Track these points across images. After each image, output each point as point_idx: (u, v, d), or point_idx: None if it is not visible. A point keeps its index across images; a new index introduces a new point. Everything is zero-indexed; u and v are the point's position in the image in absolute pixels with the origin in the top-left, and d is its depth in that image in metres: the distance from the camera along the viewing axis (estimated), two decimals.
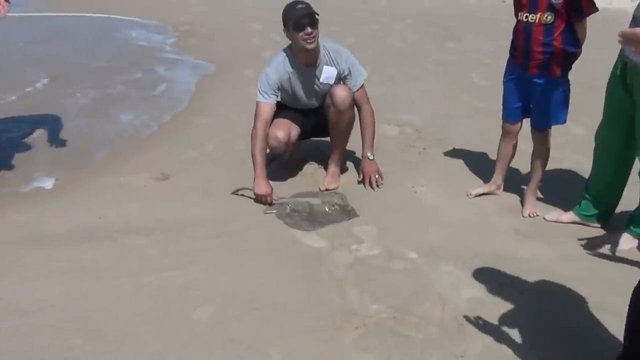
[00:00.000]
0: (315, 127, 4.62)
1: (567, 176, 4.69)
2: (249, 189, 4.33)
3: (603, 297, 3.24)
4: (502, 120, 4.20)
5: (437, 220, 4.10)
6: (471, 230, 3.98)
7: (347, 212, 4.13)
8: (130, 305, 3.20)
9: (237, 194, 4.41)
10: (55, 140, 5.54)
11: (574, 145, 5.14)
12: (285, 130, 4.37)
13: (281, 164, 4.92)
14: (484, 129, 5.59)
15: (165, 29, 10.64)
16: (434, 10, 11.95)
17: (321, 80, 4.35)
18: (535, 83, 3.87)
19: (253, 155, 4.27)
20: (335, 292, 3.30)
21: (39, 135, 5.73)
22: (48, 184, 4.71)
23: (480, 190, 4.38)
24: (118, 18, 11.51)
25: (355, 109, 4.42)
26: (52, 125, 5.89)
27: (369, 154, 4.47)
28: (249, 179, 4.34)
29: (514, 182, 4.51)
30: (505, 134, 4.21)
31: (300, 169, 4.89)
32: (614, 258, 3.65)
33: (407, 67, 7.88)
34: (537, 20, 3.68)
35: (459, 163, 4.96)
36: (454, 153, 5.15)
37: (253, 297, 3.27)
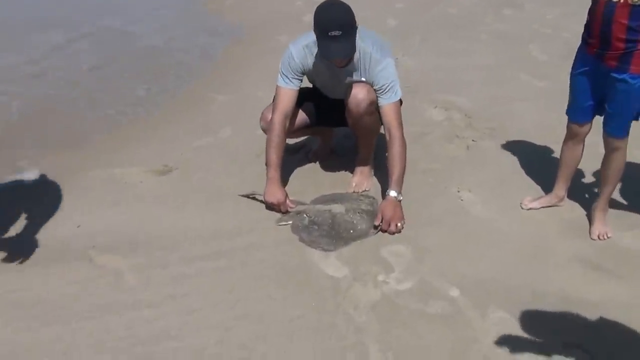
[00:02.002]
0: (338, 117, 3.71)
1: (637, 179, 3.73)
2: (259, 195, 3.52)
3: None
4: (567, 119, 3.33)
5: (485, 242, 3.24)
6: (528, 258, 3.11)
7: (374, 220, 3.32)
8: None
9: (247, 197, 3.61)
10: (47, 117, 4.81)
11: None
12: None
13: (308, 155, 4.16)
14: (544, 116, 4.68)
15: None
16: None
17: (345, 81, 3.48)
18: (613, 78, 2.97)
19: (267, 154, 3.49)
20: (352, 351, 2.51)
21: (30, 109, 5.00)
22: (30, 175, 3.98)
23: (537, 205, 3.53)
24: None
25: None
26: (48, 98, 5.16)
27: (393, 193, 3.36)
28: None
29: (581, 190, 3.60)
30: (571, 136, 3.36)
31: (330, 164, 4.07)
32: None
33: (459, 38, 6.91)
34: (622, 0, 2.78)
35: (515, 161, 4.05)
36: (509, 147, 4.24)
37: (246, 354, 2.51)
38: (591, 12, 2.97)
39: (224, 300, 2.81)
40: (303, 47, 3.42)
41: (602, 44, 2.93)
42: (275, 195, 3.44)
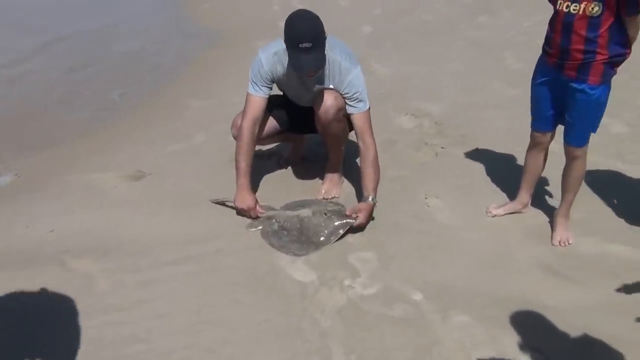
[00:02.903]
0: (307, 123, 3.79)
1: (604, 190, 3.85)
2: (230, 201, 3.61)
3: None
4: (530, 129, 3.44)
5: (450, 248, 3.34)
6: (491, 264, 3.21)
7: (343, 217, 3.40)
8: None
9: (218, 203, 3.69)
10: (22, 121, 4.84)
11: (614, 148, 4.28)
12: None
13: (280, 161, 4.24)
14: (514, 123, 4.75)
15: None
16: None
17: (314, 89, 3.57)
18: (572, 88, 3.07)
19: (236, 161, 3.56)
20: (317, 355, 2.59)
21: (5, 113, 5.05)
22: (4, 180, 4.03)
23: (501, 212, 3.64)
24: None
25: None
26: (23, 102, 5.21)
27: (371, 200, 3.46)
28: None
29: (544, 197, 3.73)
30: (534, 144, 3.46)
31: (301, 170, 4.16)
32: None
33: (434, 44, 7.03)
34: (580, 11, 2.87)
35: (482, 169, 4.16)
36: (478, 155, 4.35)
37: (214, 357, 2.58)
38: (551, 23, 3.07)
39: (193, 305, 2.88)
40: (272, 55, 3.48)
41: (562, 54, 3.02)
42: (245, 201, 3.52)
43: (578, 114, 3.12)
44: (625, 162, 4.14)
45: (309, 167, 4.17)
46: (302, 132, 4.00)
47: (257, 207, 3.55)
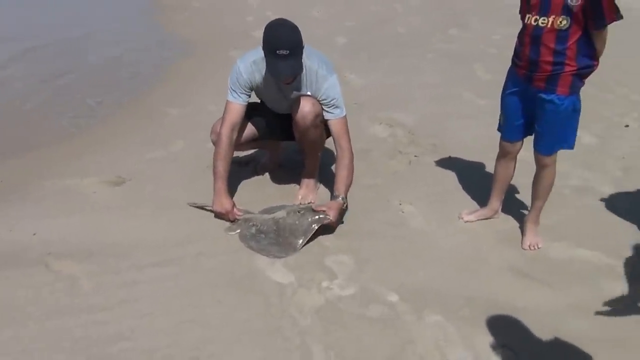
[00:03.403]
0: (285, 130, 3.91)
1: (573, 198, 4.03)
2: (208, 205, 3.71)
3: None
4: (499, 138, 3.57)
5: (423, 252, 3.47)
6: (462, 267, 3.34)
7: (316, 213, 3.51)
8: None
9: (196, 207, 3.77)
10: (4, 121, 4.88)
11: (582, 158, 4.46)
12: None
13: (257, 168, 4.33)
14: (484, 133, 4.88)
15: (150, 0, 9.84)
16: None
17: (292, 96, 3.68)
18: (541, 99, 3.20)
19: (214, 164, 3.66)
20: (296, 352, 2.69)
21: None
22: None
23: (473, 217, 3.78)
24: None
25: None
26: (1, 108, 5.23)
27: (340, 199, 3.59)
28: None
29: (515, 203, 3.87)
30: (503, 153, 3.58)
31: (277, 177, 4.27)
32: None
33: (406, 56, 7.18)
34: (549, 25, 3.01)
35: (454, 177, 4.31)
36: (450, 163, 4.49)
37: (195, 354, 2.66)
38: (520, 36, 3.20)
39: (175, 305, 2.96)
40: (251, 64, 3.59)
41: (531, 66, 3.15)
42: (222, 205, 3.62)
43: (547, 124, 3.25)
44: (593, 171, 4.32)
45: (286, 173, 4.27)
46: (280, 139, 4.10)
47: (235, 209, 3.64)
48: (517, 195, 3.99)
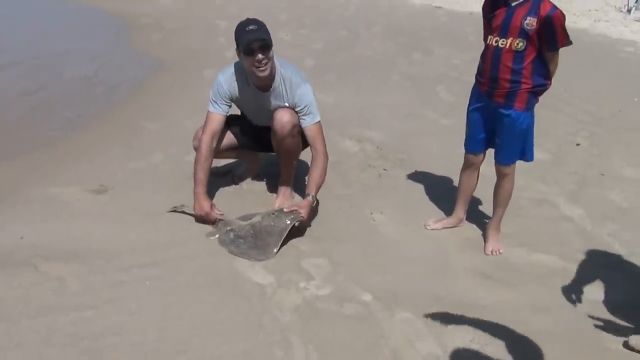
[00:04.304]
0: (263, 141, 4.06)
1: (530, 208, 4.26)
2: (188, 208, 3.84)
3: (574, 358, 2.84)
4: (464, 150, 3.79)
5: (394, 256, 3.63)
6: (430, 269, 3.52)
7: (289, 214, 3.65)
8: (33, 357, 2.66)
9: (177, 211, 3.88)
10: None
11: (538, 173, 4.71)
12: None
13: (234, 179, 4.44)
14: (448, 150, 5.19)
15: (125, 21, 9.90)
16: (403, 19, 11.52)
17: (271, 107, 3.83)
18: (500, 114, 3.44)
19: (194, 170, 3.78)
20: (277, 345, 2.80)
21: None
22: None
23: (439, 226, 3.95)
24: (76, 6, 10.79)
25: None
26: None
27: (310, 198, 3.72)
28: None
29: (478, 213, 4.06)
30: (468, 165, 3.80)
31: (254, 187, 4.40)
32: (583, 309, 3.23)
33: (373, 77, 7.40)
34: (507, 46, 3.27)
35: (422, 188, 4.50)
36: (417, 176, 4.69)
37: (182, 347, 2.75)
38: (482, 55, 3.45)
39: (160, 303, 3.04)
40: (230, 75, 3.78)
41: (492, 83, 3.39)
42: (202, 207, 3.74)
43: (506, 136, 3.47)
44: (548, 184, 4.56)
45: (263, 183, 4.40)
46: (258, 149, 4.24)
47: (214, 210, 3.76)
48: (480, 207, 4.18)
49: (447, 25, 11.17)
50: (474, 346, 2.88)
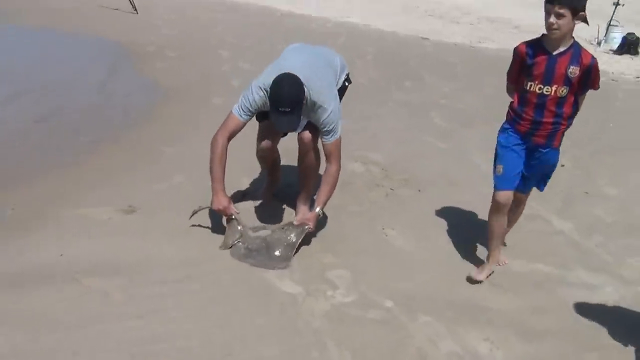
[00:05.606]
0: None
1: (526, 224, 4.49)
2: (205, 207, 4.03)
3: (577, 355, 3.15)
4: (495, 190, 3.63)
5: (408, 266, 3.86)
6: (443, 278, 3.77)
7: (298, 227, 3.91)
8: None
9: (196, 212, 4.10)
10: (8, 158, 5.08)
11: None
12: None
13: (253, 197, 4.65)
14: (447, 170, 5.50)
15: (127, 48, 10.08)
16: (392, 49, 11.86)
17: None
18: (539, 152, 3.59)
19: (211, 168, 3.85)
20: (314, 347, 3.00)
21: None
22: (2, 213, 4.22)
23: (484, 276, 3.74)
24: (81, 35, 10.96)
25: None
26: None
27: (317, 209, 3.95)
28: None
29: (482, 229, 4.30)
30: (501, 204, 3.62)
31: (274, 205, 4.62)
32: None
33: (370, 104, 7.64)
34: (552, 93, 3.37)
35: (427, 206, 4.75)
36: (421, 195, 4.96)
37: (227, 351, 2.94)
38: (523, 100, 3.48)
39: (201, 313, 3.22)
40: (263, 90, 3.77)
41: (534, 125, 3.47)
42: (221, 202, 3.87)
43: (537, 170, 3.67)
44: (538, 202, 4.82)
45: (280, 202, 4.63)
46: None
47: (231, 206, 3.93)
48: (482, 222, 4.41)
49: (434, 55, 11.49)
50: (489, 344, 3.14)
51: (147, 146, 5.72)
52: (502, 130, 3.64)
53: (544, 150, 3.57)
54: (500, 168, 3.60)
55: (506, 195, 3.59)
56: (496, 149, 3.65)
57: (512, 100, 3.61)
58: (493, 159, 3.70)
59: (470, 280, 3.68)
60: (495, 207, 3.63)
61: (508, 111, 3.61)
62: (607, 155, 6.44)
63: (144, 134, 6.10)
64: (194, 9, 14.77)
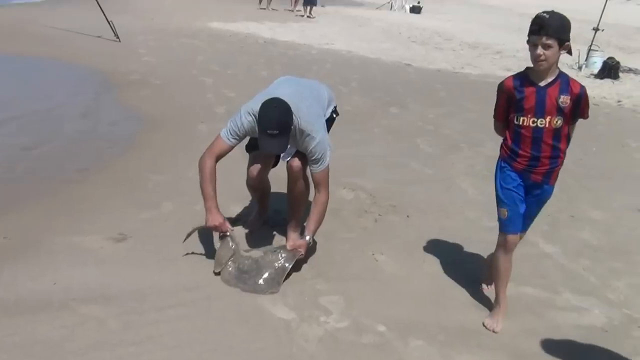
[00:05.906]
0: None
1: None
2: (201, 226, 4.09)
3: None
4: (504, 234, 3.58)
5: (400, 291, 3.96)
6: (434, 302, 3.87)
7: (290, 252, 3.99)
8: None
9: (190, 234, 4.18)
10: None
11: None
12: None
13: (245, 225, 4.74)
14: (435, 196, 5.62)
15: (110, 76, 10.16)
16: (376, 75, 12.07)
17: (281, 157, 4.18)
18: (535, 189, 3.53)
19: (202, 187, 3.92)
20: None
21: None
22: None
23: (498, 323, 3.65)
24: (65, 63, 11.05)
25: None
26: None
27: (307, 238, 4.06)
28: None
29: (475, 254, 4.44)
30: (508, 247, 3.58)
31: (265, 231, 4.72)
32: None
33: (356, 130, 7.76)
34: (547, 125, 3.32)
35: (414, 231, 4.87)
36: (409, 221, 5.07)
37: None
38: (516, 135, 3.41)
39: (196, 338, 3.29)
40: (252, 116, 3.86)
41: (532, 161, 3.41)
42: (215, 219, 3.93)
43: (535, 208, 3.64)
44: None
45: (271, 229, 4.72)
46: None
47: (226, 222, 4.00)
48: (478, 246, 4.55)
49: (418, 81, 11.70)
50: None
51: (134, 174, 5.78)
52: (500, 169, 3.56)
53: (541, 188, 3.52)
54: (504, 212, 3.53)
55: (516, 239, 3.57)
56: (496, 191, 3.58)
57: (503, 137, 3.56)
58: (495, 202, 3.63)
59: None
60: (504, 250, 3.58)
61: (502, 147, 3.55)
62: (591, 179, 6.63)
63: (131, 162, 6.16)
64: (175, 36, 14.91)
